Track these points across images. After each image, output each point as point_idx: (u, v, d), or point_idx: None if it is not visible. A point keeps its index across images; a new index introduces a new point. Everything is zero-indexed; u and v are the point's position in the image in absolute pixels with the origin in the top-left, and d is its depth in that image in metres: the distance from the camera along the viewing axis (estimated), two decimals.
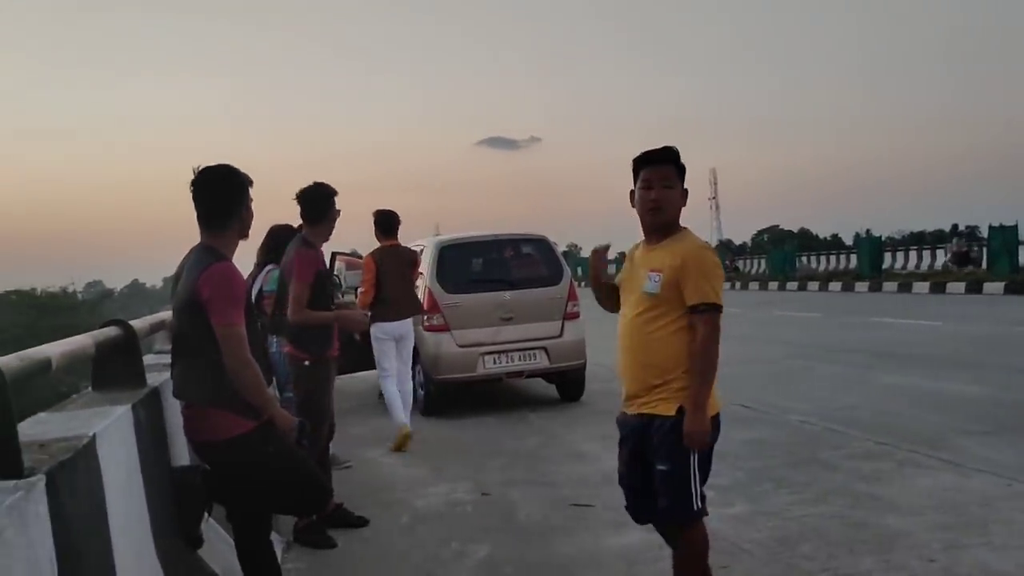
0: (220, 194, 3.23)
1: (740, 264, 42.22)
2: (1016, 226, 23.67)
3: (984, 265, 24.92)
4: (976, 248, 27.71)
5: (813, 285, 29.07)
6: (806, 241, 67.63)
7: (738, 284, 34.64)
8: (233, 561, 3.51)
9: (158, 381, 3.56)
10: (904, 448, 6.00)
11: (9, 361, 2.16)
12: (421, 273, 8.54)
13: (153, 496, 3.08)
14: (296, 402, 4.91)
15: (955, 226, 71.87)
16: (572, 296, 8.64)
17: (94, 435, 2.43)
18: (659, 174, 3.12)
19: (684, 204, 3.19)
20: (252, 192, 3.33)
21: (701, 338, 3.05)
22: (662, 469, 3.11)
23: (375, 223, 7.34)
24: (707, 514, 3.23)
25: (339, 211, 4.99)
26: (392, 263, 7.19)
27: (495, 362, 8.32)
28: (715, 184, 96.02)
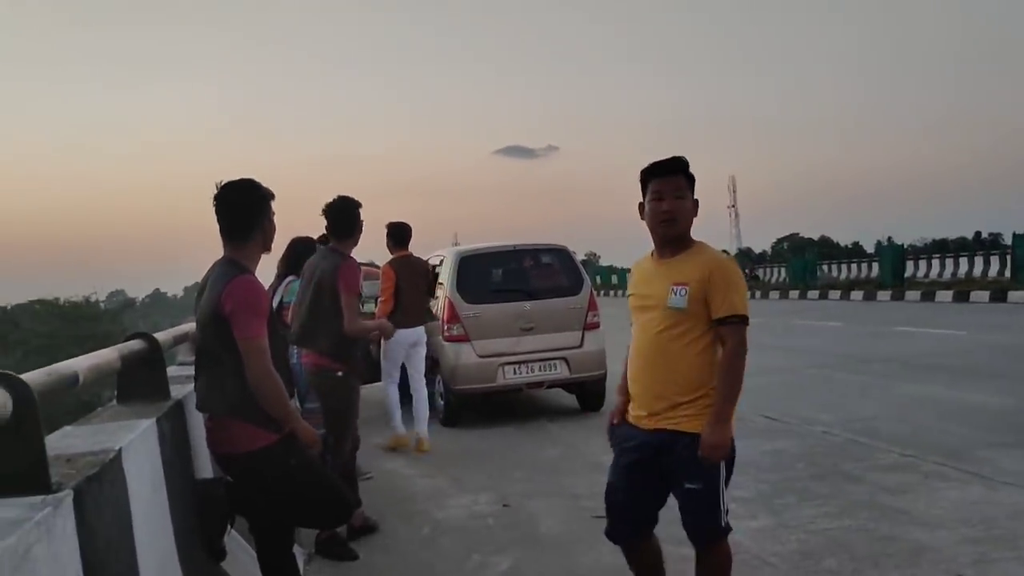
0: (241, 208, 3.25)
1: (760, 273, 41.95)
2: None
3: (1009, 273, 24.63)
4: None
5: (834, 294, 28.85)
6: (826, 249, 67.19)
7: (758, 293, 34.43)
8: (256, 573, 3.51)
9: (181, 393, 3.58)
10: (929, 460, 5.93)
11: (37, 376, 2.18)
12: (441, 284, 8.58)
13: (177, 509, 3.09)
14: (328, 412, 4.97)
15: (978, 233, 71.31)
16: (592, 306, 8.62)
17: (120, 449, 2.45)
18: (670, 185, 3.05)
19: (696, 215, 3.12)
20: (274, 205, 3.36)
21: (730, 351, 2.99)
22: (693, 488, 3.02)
23: (389, 235, 7.58)
24: (732, 530, 3.18)
25: (363, 222, 5.12)
26: (407, 273, 7.45)
27: (515, 372, 8.32)
28: (734, 191, 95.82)
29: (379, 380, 7.88)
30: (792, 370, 11.08)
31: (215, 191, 3.25)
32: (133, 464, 2.56)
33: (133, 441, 2.64)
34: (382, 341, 7.32)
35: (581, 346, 8.48)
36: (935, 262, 30.16)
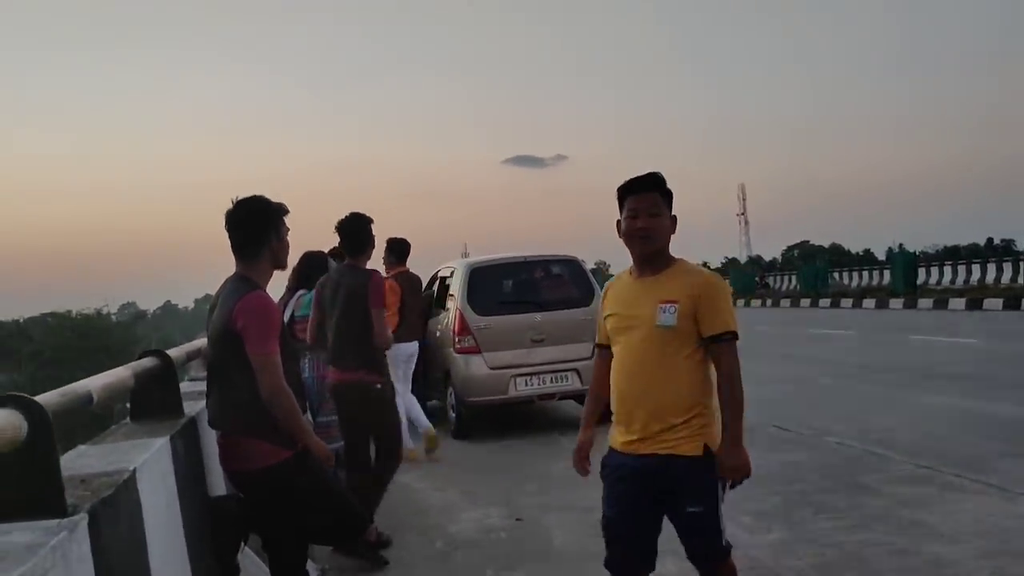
0: (250, 226, 3.26)
1: (770, 281, 41.87)
2: None
3: (1022, 280, 24.49)
4: None
5: (846, 302, 28.74)
6: (837, 256, 67.03)
7: (769, 301, 34.35)
8: None
9: (194, 410, 3.58)
10: (947, 471, 5.87)
11: (52, 397, 2.18)
12: (452, 295, 8.60)
13: (190, 526, 3.09)
14: (375, 426, 5.11)
15: (991, 239, 70.98)
16: None
17: (134, 469, 2.45)
18: (645, 202, 2.99)
19: (673, 231, 3.05)
20: (288, 221, 3.36)
21: (728, 368, 2.95)
22: (695, 511, 2.95)
23: (389, 250, 7.74)
24: (732, 547, 3.12)
25: (374, 237, 5.25)
26: (408, 288, 7.68)
27: (526, 384, 8.30)
28: (744, 200, 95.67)
29: None
30: (805, 380, 11.03)
31: (229, 208, 3.27)
32: (147, 483, 2.56)
33: (147, 460, 2.64)
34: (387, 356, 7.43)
35: (592, 357, 8.45)
36: (947, 269, 30.08)
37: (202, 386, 3.53)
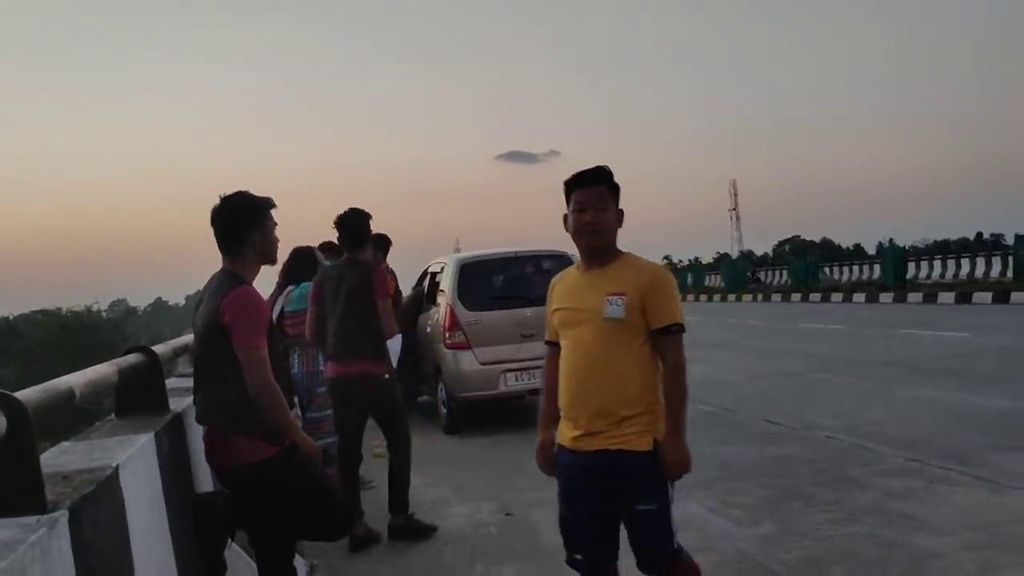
0: (231, 222, 3.24)
1: (762, 275, 41.92)
2: None
3: (1011, 274, 24.58)
4: None
5: (837, 296, 28.79)
6: (828, 251, 67.22)
7: (760, 296, 34.40)
8: None
9: (181, 406, 3.56)
10: (935, 465, 5.89)
11: (32, 393, 2.15)
12: (443, 291, 8.59)
13: (176, 523, 3.07)
14: (385, 416, 5.22)
15: (980, 234, 71.28)
16: None
17: (117, 466, 2.43)
18: (592, 196, 2.95)
19: (620, 225, 3.02)
20: (278, 215, 3.33)
21: (675, 361, 2.91)
22: (646, 509, 2.90)
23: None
24: (684, 551, 3.05)
25: (372, 232, 5.34)
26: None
27: (517, 379, 8.29)
28: (735, 195, 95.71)
29: None
30: (795, 374, 11.05)
31: (215, 204, 3.25)
32: (131, 480, 2.54)
33: (131, 457, 2.62)
34: None
35: None
36: (937, 263, 30.11)
37: (189, 382, 3.51)
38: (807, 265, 36.45)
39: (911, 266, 30.01)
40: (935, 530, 4.58)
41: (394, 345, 7.56)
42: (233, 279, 3.20)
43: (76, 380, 2.51)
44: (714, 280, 44.29)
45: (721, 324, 21.96)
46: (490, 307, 8.44)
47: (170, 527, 2.98)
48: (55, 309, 53.21)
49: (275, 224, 3.33)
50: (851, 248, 75.82)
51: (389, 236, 8.02)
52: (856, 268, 34.73)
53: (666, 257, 76.68)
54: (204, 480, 3.67)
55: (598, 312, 2.89)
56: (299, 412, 5.77)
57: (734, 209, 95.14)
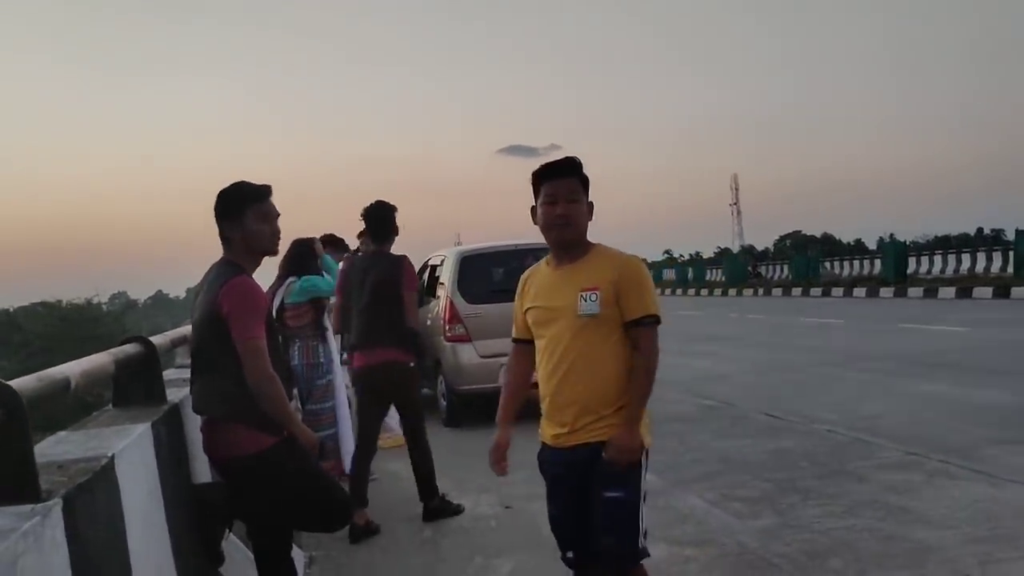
0: (221, 210, 3.21)
1: (763, 270, 41.91)
2: None
3: (1012, 269, 24.57)
4: None
5: (837, 291, 28.80)
6: (829, 246, 67.07)
7: (761, 290, 34.40)
8: None
9: (178, 397, 3.55)
10: (935, 458, 5.88)
11: (28, 382, 2.14)
12: (442, 284, 8.57)
13: (173, 514, 3.05)
14: (406, 403, 5.36)
15: (980, 229, 71.18)
16: None
17: (113, 456, 2.41)
18: (563, 188, 2.86)
19: (591, 218, 2.93)
20: (282, 209, 3.28)
21: (648, 352, 2.83)
22: (614, 496, 2.79)
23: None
24: (649, 555, 2.92)
25: (398, 225, 5.43)
26: None
27: None
28: (736, 190, 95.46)
29: None
30: (795, 368, 11.04)
31: None
32: (127, 470, 2.53)
33: (127, 446, 2.60)
34: None
35: None
36: (937, 258, 30.10)
37: (187, 373, 3.49)
38: (808, 260, 36.48)
39: (911, 261, 30.02)
40: (934, 523, 4.57)
41: None
42: (232, 269, 3.17)
43: (72, 370, 2.49)
44: (715, 274, 44.29)
45: (722, 318, 21.97)
46: (490, 300, 8.42)
47: (167, 518, 2.97)
48: (55, 301, 53.13)
49: (269, 215, 3.22)
50: (852, 243, 75.67)
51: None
52: (857, 263, 34.73)
53: (667, 251, 76.61)
54: (202, 471, 3.66)
55: (572, 309, 2.82)
56: (299, 404, 5.77)
57: (735, 203, 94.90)
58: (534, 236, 3.08)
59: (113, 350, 3.16)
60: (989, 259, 27.36)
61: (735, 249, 74.27)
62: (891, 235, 41.71)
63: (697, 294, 39.58)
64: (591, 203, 2.95)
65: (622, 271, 2.84)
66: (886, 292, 26.04)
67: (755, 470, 5.97)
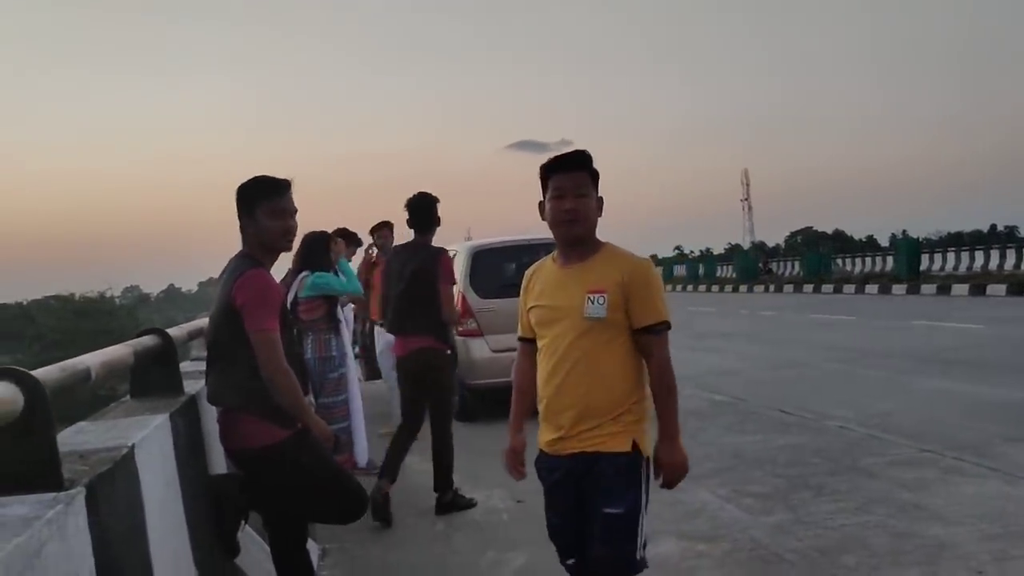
0: (237, 206, 3.23)
1: (774, 266, 41.80)
2: None
3: None
4: None
5: (849, 288, 28.69)
6: (840, 243, 66.88)
7: (772, 287, 34.31)
8: (270, 569, 3.51)
9: (195, 389, 3.57)
10: (948, 455, 5.87)
11: (50, 372, 2.16)
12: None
13: (190, 504, 3.08)
14: (439, 390, 5.44)
15: (994, 226, 70.78)
16: None
17: (133, 445, 2.44)
18: (572, 181, 2.73)
19: (600, 214, 2.80)
20: (280, 201, 3.25)
21: (662, 360, 2.72)
22: (613, 512, 2.67)
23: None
24: (647, 567, 2.76)
25: (440, 217, 5.52)
26: None
27: None
28: (747, 185, 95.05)
29: (380, 378, 8.04)
30: (808, 364, 11.02)
31: None
32: (146, 460, 2.55)
33: (146, 437, 2.63)
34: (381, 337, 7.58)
35: None
36: (951, 255, 29.99)
37: (202, 366, 3.51)
38: (819, 256, 36.37)
39: (924, 258, 29.90)
40: (948, 520, 4.57)
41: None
42: (248, 262, 3.19)
43: (93, 360, 2.51)
44: (726, 271, 44.19)
45: (733, 314, 21.92)
46: (502, 295, 8.42)
47: (184, 507, 3.00)
48: (68, 295, 53.53)
49: (283, 211, 3.20)
50: (864, 240, 75.36)
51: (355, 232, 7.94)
52: (869, 260, 34.62)
53: (677, 247, 76.51)
54: (218, 462, 3.69)
55: (578, 310, 2.70)
56: (312, 399, 5.80)
57: (746, 199, 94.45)
58: (545, 231, 3.00)
59: (131, 341, 3.19)
60: (1003, 256, 27.24)
61: (746, 245, 74.03)
62: (904, 231, 41.62)
63: (708, 290, 39.49)
64: (601, 198, 2.82)
65: (632, 274, 2.71)
66: (899, 289, 25.93)
67: (767, 466, 5.97)
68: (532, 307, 2.90)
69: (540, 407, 2.86)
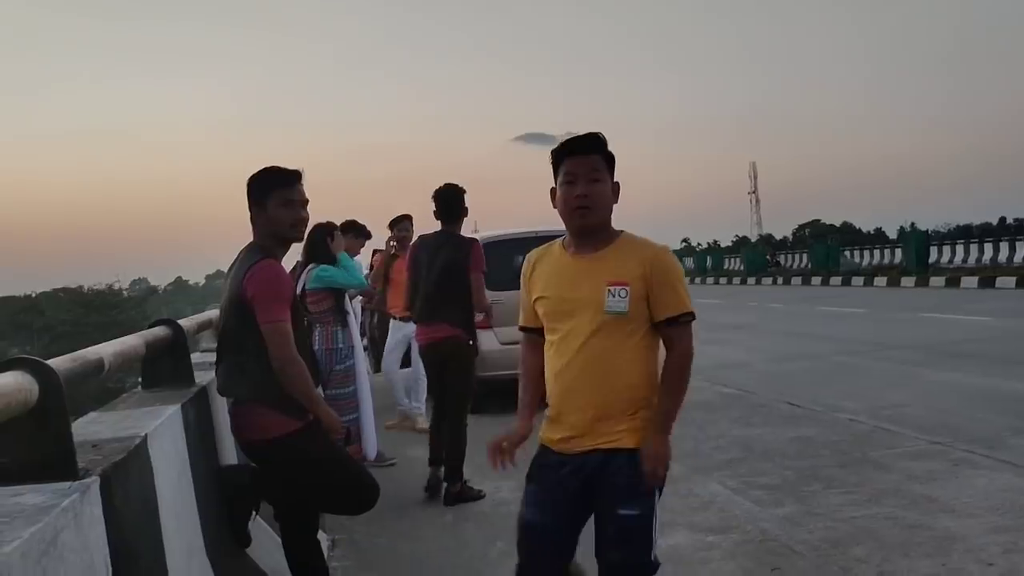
0: (248, 196, 3.24)
1: (782, 259, 41.69)
2: None
3: None
4: None
5: (857, 280, 28.59)
6: (849, 235, 66.57)
7: (780, 280, 34.21)
8: (280, 559, 3.52)
9: (205, 380, 3.59)
10: (959, 447, 5.85)
11: (63, 362, 2.17)
12: None
13: (202, 494, 3.09)
14: (462, 377, 5.51)
15: (1003, 218, 70.38)
16: None
17: (146, 435, 2.45)
18: (585, 166, 2.55)
19: (616, 200, 2.63)
20: (291, 191, 3.25)
21: (683, 352, 2.58)
22: (629, 514, 2.55)
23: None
24: (660, 563, 2.66)
25: (467, 208, 5.61)
26: None
27: None
28: (755, 178, 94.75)
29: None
30: (817, 357, 10.99)
31: None
32: (159, 450, 2.56)
33: (158, 427, 2.64)
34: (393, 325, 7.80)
35: None
36: (959, 248, 29.88)
37: (212, 357, 3.53)
38: (827, 249, 36.22)
39: (933, 250, 29.77)
40: (958, 512, 4.55)
41: (408, 328, 7.54)
42: (258, 253, 3.18)
43: (105, 351, 2.53)
44: (733, 263, 44.09)
45: (741, 307, 21.89)
46: (511, 287, 8.35)
47: (197, 497, 3.01)
48: (77, 287, 53.77)
49: (293, 201, 3.21)
50: (872, 232, 74.99)
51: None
52: (877, 252, 34.51)
53: (685, 240, 76.36)
54: (229, 453, 3.70)
55: (596, 304, 2.53)
56: (321, 390, 5.80)
57: (754, 192, 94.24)
58: (554, 223, 2.80)
59: (143, 332, 3.21)
60: (1012, 248, 27.10)
61: (753, 237, 73.85)
62: (912, 224, 41.26)
63: (716, 283, 39.41)
64: (617, 183, 2.64)
65: (653, 265, 2.55)
66: (907, 281, 25.82)
67: (776, 458, 5.96)
68: (540, 298, 2.70)
69: (551, 403, 2.71)
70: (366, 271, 8.66)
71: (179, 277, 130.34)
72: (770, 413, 7.61)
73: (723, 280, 39.60)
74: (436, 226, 5.72)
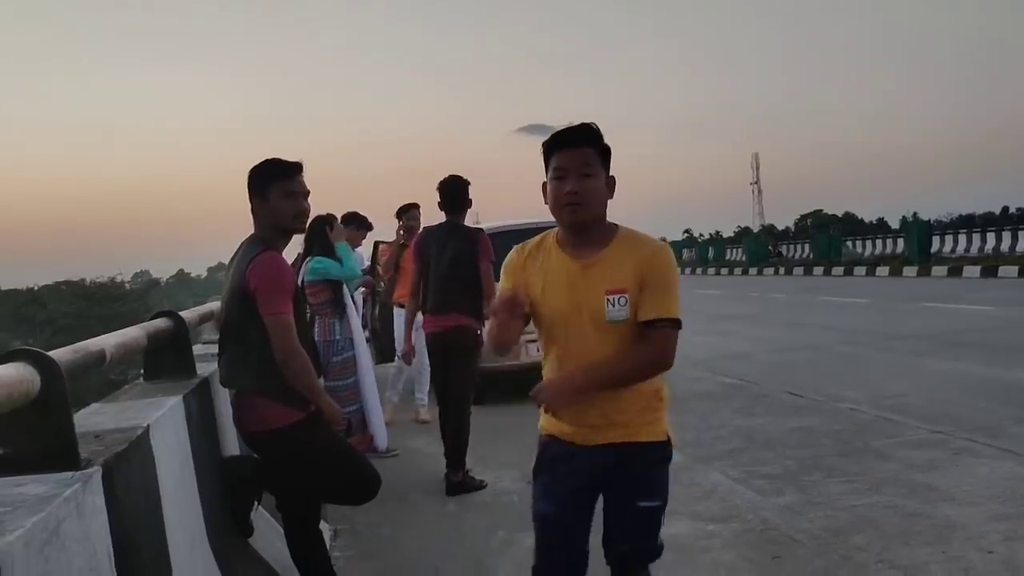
0: (249, 188, 3.24)
1: (784, 249, 41.65)
2: None
3: None
4: None
5: (859, 270, 28.56)
6: (851, 225, 66.52)
7: (782, 270, 34.19)
8: (283, 549, 3.54)
9: (207, 371, 3.60)
10: (960, 436, 5.86)
11: (65, 353, 2.18)
12: None
13: (204, 485, 3.11)
14: (468, 367, 5.58)
15: (1006, 208, 70.25)
16: None
17: (148, 426, 2.46)
18: (576, 160, 2.39)
19: (611, 196, 2.48)
20: (292, 183, 3.26)
21: (656, 352, 2.42)
22: (648, 506, 2.52)
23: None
24: (664, 545, 2.65)
25: (471, 199, 5.69)
26: None
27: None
28: (757, 168, 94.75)
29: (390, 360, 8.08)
30: (819, 347, 11.00)
31: None
32: (161, 441, 2.57)
33: (160, 418, 2.65)
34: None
35: None
36: (962, 237, 29.80)
37: (214, 349, 3.54)
38: (829, 239, 36.18)
39: (936, 240, 29.72)
40: (959, 500, 4.56)
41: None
42: (260, 245, 3.19)
43: (107, 342, 2.54)
44: (735, 254, 44.05)
45: (743, 297, 21.88)
46: None
47: (199, 487, 3.03)
48: (79, 280, 53.82)
49: (295, 192, 3.21)
50: (874, 222, 74.85)
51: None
52: (879, 242, 34.43)
53: (686, 230, 76.29)
54: (231, 444, 3.72)
55: (597, 313, 2.41)
56: (322, 381, 5.82)
57: (756, 182, 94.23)
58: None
59: (145, 324, 3.22)
60: (1015, 238, 27.02)
61: (755, 228, 73.82)
62: (914, 214, 41.31)
63: (717, 273, 39.38)
64: (612, 177, 2.49)
65: (649, 266, 2.41)
66: (909, 271, 25.79)
67: (778, 447, 5.98)
68: (538, 305, 2.57)
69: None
70: (367, 263, 8.67)
71: (181, 269, 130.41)
72: (772, 403, 7.62)
73: (725, 271, 39.57)
74: (439, 217, 5.74)
